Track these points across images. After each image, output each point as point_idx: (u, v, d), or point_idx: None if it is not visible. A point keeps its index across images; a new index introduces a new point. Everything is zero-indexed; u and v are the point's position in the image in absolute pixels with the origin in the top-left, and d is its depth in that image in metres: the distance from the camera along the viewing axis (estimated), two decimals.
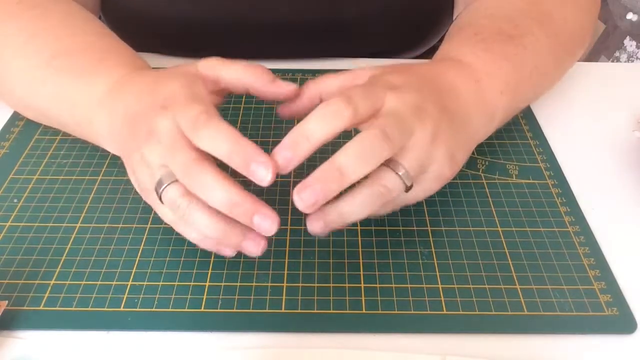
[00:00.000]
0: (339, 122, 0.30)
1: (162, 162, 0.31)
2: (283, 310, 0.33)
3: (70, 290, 0.34)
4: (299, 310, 0.33)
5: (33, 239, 0.37)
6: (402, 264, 0.35)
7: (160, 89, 0.34)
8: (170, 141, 0.31)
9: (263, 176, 0.28)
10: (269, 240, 0.37)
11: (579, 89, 0.51)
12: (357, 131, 0.31)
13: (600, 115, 0.48)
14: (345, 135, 0.32)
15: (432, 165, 0.33)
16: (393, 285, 0.34)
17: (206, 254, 0.36)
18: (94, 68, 0.39)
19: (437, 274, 0.35)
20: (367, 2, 0.52)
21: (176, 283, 0.34)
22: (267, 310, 0.33)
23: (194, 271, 0.35)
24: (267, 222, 0.29)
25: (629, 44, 1.09)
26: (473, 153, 0.40)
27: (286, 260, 0.36)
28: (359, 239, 0.37)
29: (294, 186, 0.40)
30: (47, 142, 0.44)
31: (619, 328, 0.32)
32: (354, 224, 0.38)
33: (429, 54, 0.53)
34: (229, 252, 0.33)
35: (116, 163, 0.42)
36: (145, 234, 0.37)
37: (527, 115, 0.48)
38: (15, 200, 0.39)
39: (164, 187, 0.31)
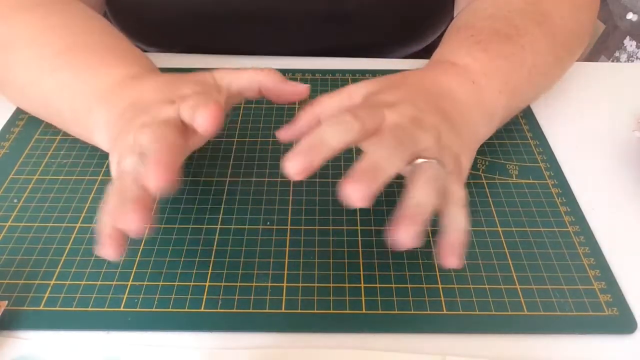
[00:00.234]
0: (349, 133, 0.29)
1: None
2: (283, 310, 0.33)
3: (70, 290, 0.34)
4: (299, 310, 0.33)
5: (33, 239, 0.37)
6: (402, 264, 0.35)
7: (174, 89, 0.34)
8: (162, 121, 0.31)
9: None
10: (269, 240, 0.37)
11: (579, 89, 0.51)
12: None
13: (600, 115, 0.48)
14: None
15: None
16: (393, 285, 0.34)
17: (206, 253, 0.36)
18: (102, 63, 0.39)
19: (437, 274, 0.35)
20: None
21: (176, 283, 0.34)
22: (267, 310, 0.33)
23: (194, 271, 0.35)
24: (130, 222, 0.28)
25: (629, 44, 1.09)
26: None
27: (286, 260, 0.36)
28: (359, 239, 0.37)
29: (294, 186, 0.41)
30: (47, 142, 0.44)
31: (619, 328, 0.32)
32: (354, 224, 0.38)
33: (427, 52, 0.53)
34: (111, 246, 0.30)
35: None
36: (145, 234, 0.37)
37: (527, 115, 0.48)
38: (15, 200, 0.39)
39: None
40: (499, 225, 0.38)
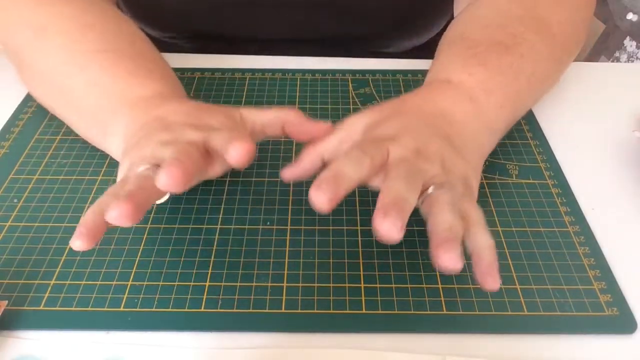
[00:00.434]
0: (362, 166, 0.30)
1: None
2: (283, 310, 0.33)
3: (70, 290, 0.34)
4: (299, 310, 0.33)
5: (33, 239, 0.37)
6: (402, 264, 0.35)
7: (201, 117, 0.35)
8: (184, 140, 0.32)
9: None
10: (269, 240, 0.37)
11: (579, 89, 0.51)
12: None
13: (600, 115, 0.48)
14: None
15: None
16: (393, 285, 0.34)
17: (206, 253, 0.36)
18: (138, 72, 0.40)
19: (437, 274, 0.35)
20: None
21: (176, 283, 0.34)
22: (267, 310, 0.33)
23: (194, 271, 0.35)
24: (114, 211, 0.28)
25: (629, 44, 1.09)
26: None
27: (286, 260, 0.36)
28: (359, 239, 0.37)
29: (294, 186, 0.41)
30: (47, 142, 0.44)
31: (619, 328, 0.32)
32: (354, 224, 0.38)
33: (428, 48, 0.53)
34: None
35: (116, 163, 0.42)
36: (145, 234, 0.37)
37: (527, 115, 0.48)
38: (15, 200, 0.39)
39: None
40: (499, 225, 0.38)
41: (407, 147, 0.32)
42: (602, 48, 1.14)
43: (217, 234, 0.37)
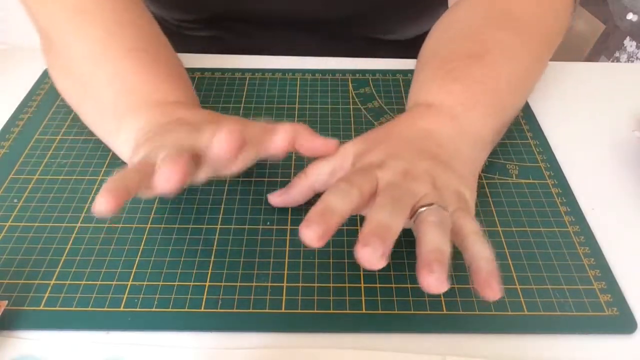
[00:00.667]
0: (351, 199, 0.30)
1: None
2: (283, 310, 0.33)
3: (70, 290, 0.34)
4: (299, 310, 0.33)
5: (33, 239, 0.37)
6: (402, 264, 0.35)
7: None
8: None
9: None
10: (269, 240, 0.37)
11: (579, 89, 0.51)
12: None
13: (600, 115, 0.48)
14: None
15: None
16: (393, 285, 0.34)
17: (206, 253, 0.36)
18: (167, 77, 0.40)
19: None
20: None
21: (176, 283, 0.34)
22: (267, 310, 0.33)
23: (194, 271, 0.35)
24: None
25: (629, 44, 1.09)
26: None
27: (286, 260, 0.36)
28: None
29: None
30: (47, 142, 0.44)
31: (619, 328, 0.32)
32: (354, 224, 0.38)
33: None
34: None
35: (116, 163, 0.42)
36: (145, 234, 0.37)
37: (527, 115, 0.48)
38: (15, 200, 0.39)
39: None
40: (499, 225, 0.38)
41: (396, 170, 0.33)
42: (602, 48, 1.14)
43: (217, 234, 0.37)
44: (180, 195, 0.40)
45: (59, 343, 0.31)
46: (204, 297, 0.33)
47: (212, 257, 0.36)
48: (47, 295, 0.33)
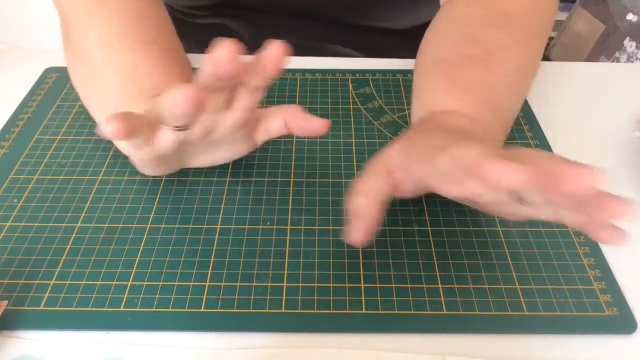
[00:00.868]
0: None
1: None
2: (283, 310, 0.33)
3: (70, 290, 0.34)
4: (299, 310, 0.33)
5: (33, 239, 0.37)
6: (402, 264, 0.35)
7: None
8: None
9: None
10: (269, 240, 0.37)
11: (579, 89, 0.51)
12: None
13: (600, 115, 0.48)
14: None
15: None
16: (393, 285, 0.34)
17: (206, 253, 0.36)
18: (180, 74, 0.41)
19: (437, 274, 0.35)
20: None
21: (176, 283, 0.34)
22: (267, 310, 0.33)
23: (194, 271, 0.35)
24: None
25: (629, 44, 1.09)
26: None
27: (286, 260, 0.36)
28: None
29: (294, 186, 0.41)
30: (47, 142, 0.44)
31: (619, 328, 0.32)
32: None
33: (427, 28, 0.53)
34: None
35: (116, 163, 0.42)
36: (145, 234, 0.37)
37: (527, 115, 0.48)
38: (15, 200, 0.39)
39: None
40: (499, 225, 0.38)
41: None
42: (602, 48, 1.14)
43: (217, 234, 0.37)
44: (180, 195, 0.40)
45: (59, 343, 0.31)
46: (204, 297, 0.33)
47: (212, 257, 0.36)
48: (47, 295, 0.33)
